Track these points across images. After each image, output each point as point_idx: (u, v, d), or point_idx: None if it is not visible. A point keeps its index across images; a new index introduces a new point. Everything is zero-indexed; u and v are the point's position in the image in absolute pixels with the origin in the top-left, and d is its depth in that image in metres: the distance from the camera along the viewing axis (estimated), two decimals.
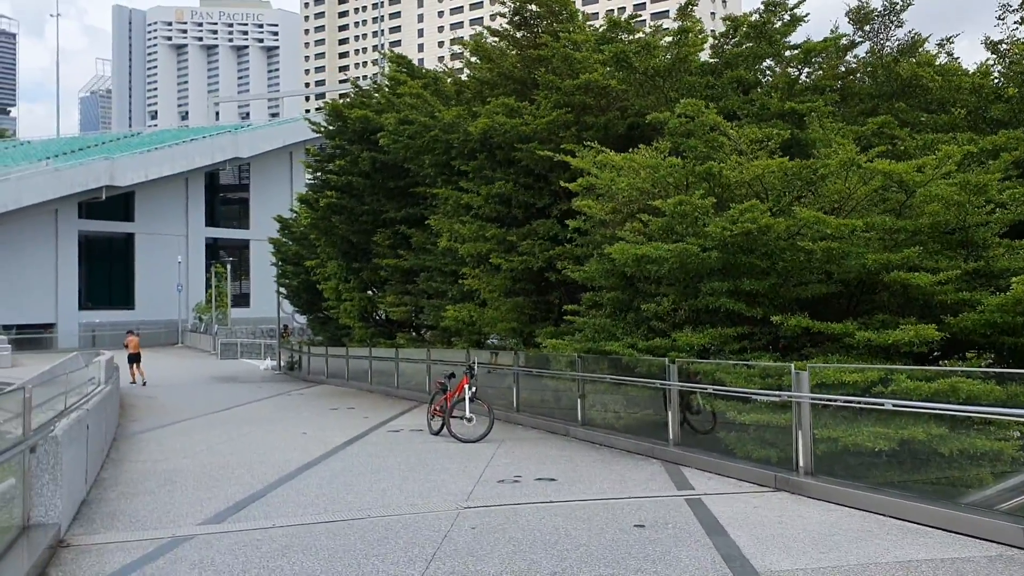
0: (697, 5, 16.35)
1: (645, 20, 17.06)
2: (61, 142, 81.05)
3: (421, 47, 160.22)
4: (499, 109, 15.65)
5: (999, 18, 16.06)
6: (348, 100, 26.70)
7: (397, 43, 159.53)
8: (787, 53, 15.49)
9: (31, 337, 52.07)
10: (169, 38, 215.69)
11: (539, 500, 8.75)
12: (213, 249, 68.51)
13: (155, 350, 52.47)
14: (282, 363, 37.62)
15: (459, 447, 12.67)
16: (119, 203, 61.22)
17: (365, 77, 28.99)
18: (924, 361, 11.63)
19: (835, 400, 9.28)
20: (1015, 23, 15.75)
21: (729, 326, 12.38)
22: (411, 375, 22.36)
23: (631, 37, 15.55)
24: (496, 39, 18.71)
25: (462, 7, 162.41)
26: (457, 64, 24.34)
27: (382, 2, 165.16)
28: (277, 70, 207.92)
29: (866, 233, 11.53)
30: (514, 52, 18.01)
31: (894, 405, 8.61)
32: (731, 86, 14.85)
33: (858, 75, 17.26)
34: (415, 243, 22.46)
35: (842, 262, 11.32)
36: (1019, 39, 15.68)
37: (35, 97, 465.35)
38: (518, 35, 17.96)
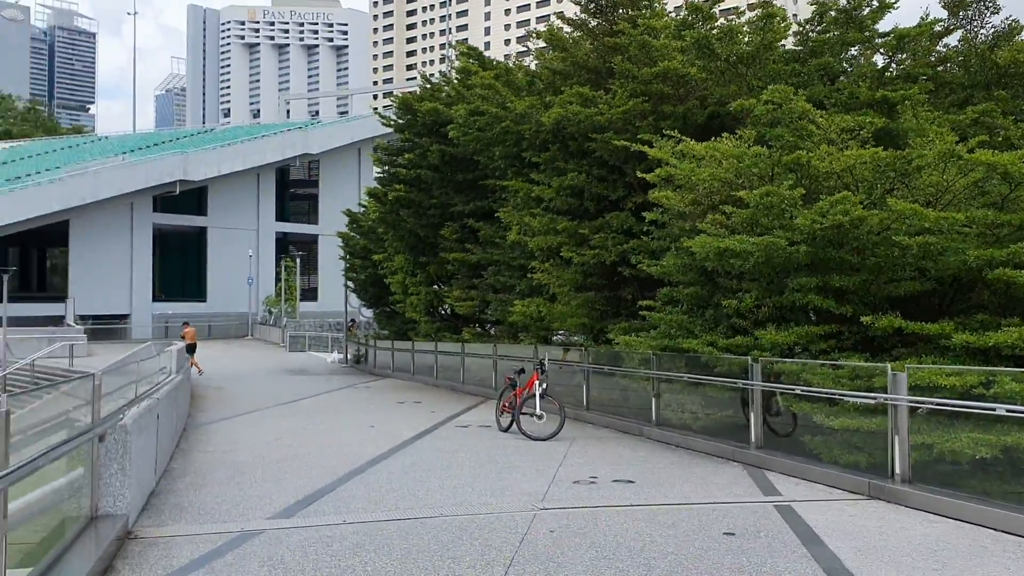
0: None
1: (720, 7, 16.35)
2: (137, 138, 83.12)
3: (488, 45, 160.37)
4: (573, 98, 15.23)
5: None
6: (418, 93, 26.56)
7: (464, 41, 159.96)
8: (877, 40, 14.72)
9: (106, 327, 53.40)
10: (242, 37, 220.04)
11: (618, 503, 8.33)
12: (283, 243, 69.49)
13: (226, 342, 53.43)
14: (348, 356, 37.78)
15: (529, 445, 12.30)
16: (192, 197, 62.46)
17: (432, 75, 28.71)
18: None
19: (941, 404, 8.63)
20: None
21: (815, 324, 11.78)
22: (477, 370, 22.09)
23: (711, 24, 14.96)
24: (570, 28, 18.27)
25: (528, 4, 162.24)
26: (527, 59, 24.01)
27: (450, 0, 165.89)
28: (346, 68, 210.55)
29: (964, 228, 10.82)
30: (588, 41, 17.57)
31: (1008, 411, 7.93)
32: (817, 74, 14.17)
33: (948, 64, 16.39)
34: (483, 237, 22.17)
35: (939, 258, 10.62)
36: None
37: (113, 95, 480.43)
38: (592, 24, 17.50)
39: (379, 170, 29.65)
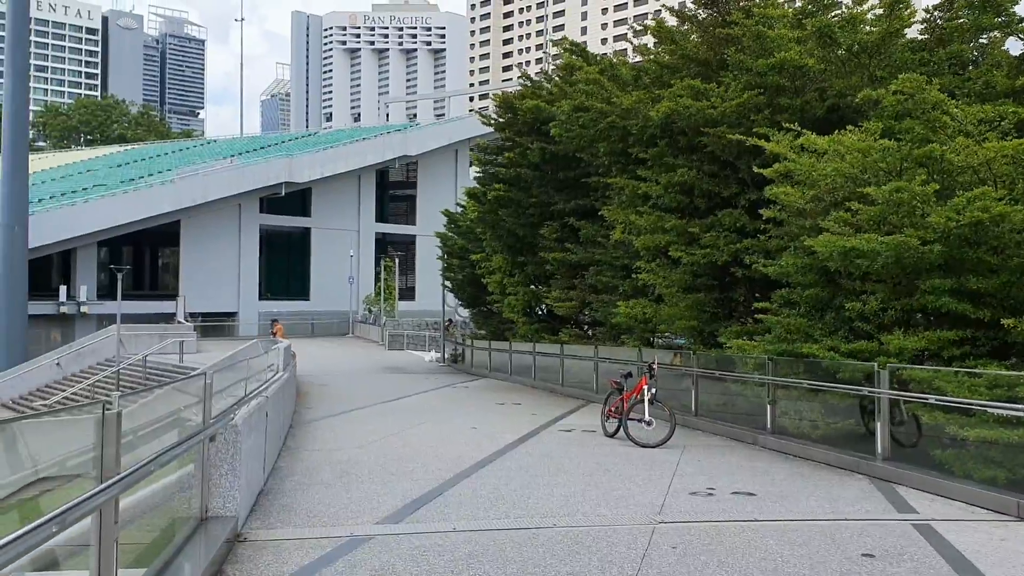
0: None
1: None
2: (244, 141, 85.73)
3: (584, 44, 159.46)
4: (684, 91, 14.68)
5: None
6: (518, 91, 26.33)
7: (560, 42, 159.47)
8: (1019, 24, 13.67)
9: (214, 325, 55.08)
10: (343, 42, 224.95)
11: (741, 517, 7.82)
12: (382, 244, 70.51)
13: (328, 339, 54.48)
14: (446, 355, 37.90)
15: (639, 452, 11.84)
16: (297, 199, 63.98)
17: (533, 75, 28.45)
18: None
19: None
20: None
21: (947, 329, 10.97)
22: (576, 372, 21.68)
23: (832, 12, 14.20)
24: (677, 21, 17.70)
25: (626, 3, 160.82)
26: (627, 56, 23.48)
27: (547, 1, 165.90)
28: (443, 71, 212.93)
29: None
30: (697, 33, 16.97)
31: None
32: (947, 63, 13.26)
33: None
34: (583, 236, 21.78)
35: None
36: None
37: (221, 100, 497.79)
38: (702, 15, 16.90)
39: (478, 170, 29.61)
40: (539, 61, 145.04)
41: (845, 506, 8.48)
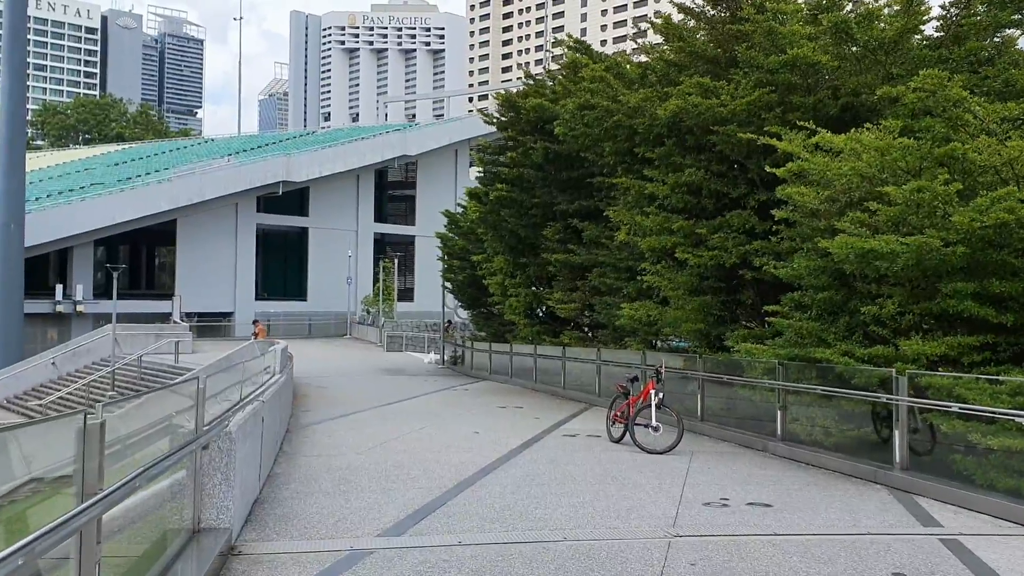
0: None
1: None
2: (241, 140, 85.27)
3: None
4: (693, 89, 14.32)
5: None
6: (521, 90, 25.98)
7: (560, 43, 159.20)
8: None
9: (210, 325, 54.59)
10: (342, 42, 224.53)
11: (760, 531, 7.46)
12: (380, 244, 70.13)
13: (325, 341, 54.06)
14: (445, 357, 37.53)
15: (647, 459, 11.47)
16: (295, 198, 63.54)
17: (536, 74, 28.09)
18: None
19: None
20: None
21: (965, 334, 10.63)
22: (578, 375, 21.33)
23: (846, 8, 13.85)
24: (683, 17, 17.34)
25: (625, 5, 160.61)
26: (631, 53, 23.13)
27: (546, 2, 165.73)
28: (443, 72, 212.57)
29: None
30: (705, 30, 16.62)
31: None
32: (966, 61, 12.92)
33: None
34: (587, 237, 21.44)
35: None
36: None
37: (219, 100, 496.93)
38: (710, 11, 16.55)
39: (479, 170, 29.26)
40: (539, 63, 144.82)
41: (866, 519, 8.12)
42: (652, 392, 12.46)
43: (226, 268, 59.57)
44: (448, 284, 37.16)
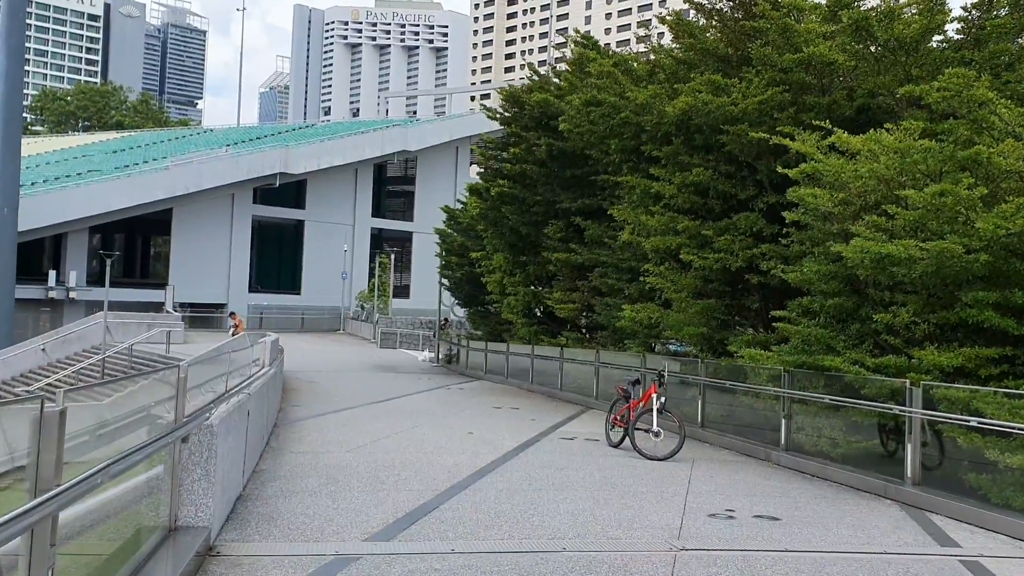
0: None
1: None
2: (240, 131, 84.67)
3: None
4: (703, 86, 13.92)
5: None
6: (525, 85, 25.57)
7: (563, 44, 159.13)
8: None
9: (203, 316, 54.01)
10: (345, 37, 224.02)
11: (770, 547, 7.05)
12: (377, 239, 69.56)
13: (318, 335, 53.58)
14: (440, 355, 37.10)
15: (647, 465, 11.07)
16: (291, 191, 62.95)
17: (540, 70, 27.69)
18: None
19: None
20: None
21: (983, 345, 10.23)
22: (576, 377, 20.93)
23: (867, 5, 13.45)
24: (695, 13, 16.95)
25: (630, 9, 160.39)
26: (638, 51, 22.77)
27: (551, 2, 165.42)
28: (445, 70, 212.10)
29: None
30: (716, 27, 16.22)
31: None
32: (990, 63, 12.53)
33: None
34: (589, 236, 21.02)
35: None
36: None
37: (220, 91, 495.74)
38: (722, 8, 16.15)
39: (479, 167, 28.84)
40: (542, 64, 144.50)
41: (880, 536, 7.72)
42: (654, 396, 12.07)
43: (220, 259, 59.02)
44: (445, 281, 36.72)
